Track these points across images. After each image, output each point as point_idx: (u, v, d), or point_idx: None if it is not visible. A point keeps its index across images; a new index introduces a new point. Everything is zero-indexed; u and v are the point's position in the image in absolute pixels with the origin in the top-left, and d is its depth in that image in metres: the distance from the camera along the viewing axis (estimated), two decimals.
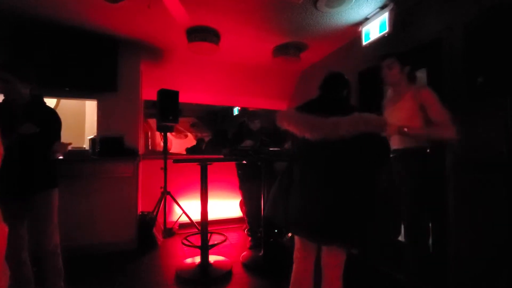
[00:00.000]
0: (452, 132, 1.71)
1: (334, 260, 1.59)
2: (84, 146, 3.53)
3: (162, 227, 3.69)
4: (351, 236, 1.46)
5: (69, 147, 1.95)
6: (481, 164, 1.94)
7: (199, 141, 6.47)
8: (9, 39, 2.78)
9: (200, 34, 3.05)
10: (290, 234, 3.27)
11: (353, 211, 1.40)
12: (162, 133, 3.81)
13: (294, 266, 1.67)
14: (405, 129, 1.80)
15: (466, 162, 2.03)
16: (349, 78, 1.73)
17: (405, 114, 1.90)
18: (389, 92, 2.21)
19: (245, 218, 3.56)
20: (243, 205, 3.57)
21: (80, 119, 4.16)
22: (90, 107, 3.98)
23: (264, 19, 2.82)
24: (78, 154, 3.09)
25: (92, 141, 3.18)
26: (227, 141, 4.24)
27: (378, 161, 1.56)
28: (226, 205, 4.34)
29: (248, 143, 3.21)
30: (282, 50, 3.49)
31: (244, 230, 3.73)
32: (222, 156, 3.08)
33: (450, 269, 2.11)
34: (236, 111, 6.99)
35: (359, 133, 1.40)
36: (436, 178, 2.00)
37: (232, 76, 4.31)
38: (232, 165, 3.59)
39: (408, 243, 1.91)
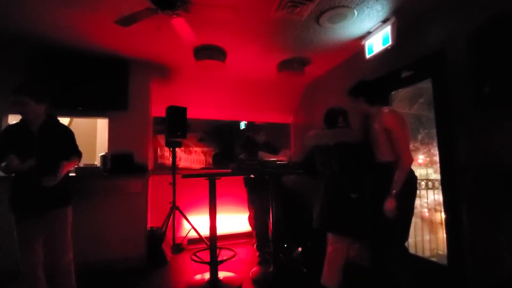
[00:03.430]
0: (411, 159, 1.90)
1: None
2: (95, 163, 3.61)
3: (171, 243, 3.68)
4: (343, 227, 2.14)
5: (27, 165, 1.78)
6: (492, 174, 1.91)
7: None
8: (25, 62, 2.93)
9: (207, 52, 3.15)
10: (300, 249, 3.22)
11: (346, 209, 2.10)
12: (171, 149, 3.87)
13: (326, 258, 2.22)
14: (393, 191, 1.87)
15: (476, 172, 1.99)
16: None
17: (376, 137, 2.02)
18: None
19: (254, 233, 3.53)
20: (252, 219, 3.55)
21: (91, 136, 4.27)
22: (102, 125, 4.09)
23: (269, 36, 2.90)
24: (89, 171, 3.16)
25: (103, 158, 3.26)
26: (234, 155, 4.28)
27: (360, 166, 2.14)
28: (235, 220, 4.31)
29: (261, 154, 3.25)
30: (286, 65, 3.56)
31: (253, 245, 3.69)
32: (230, 171, 3.10)
33: (468, 282, 2.04)
34: (243, 125, 7.06)
35: (340, 141, 2.12)
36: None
37: (238, 91, 4.39)
38: (240, 179, 3.60)
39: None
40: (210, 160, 6.20)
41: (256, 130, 3.60)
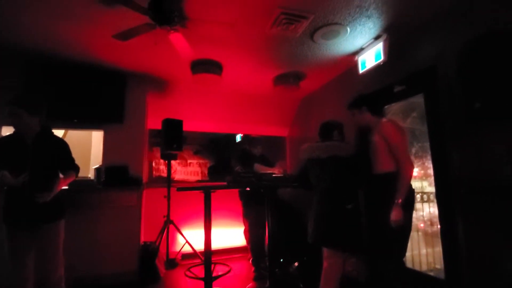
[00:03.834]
0: (411, 169, 1.91)
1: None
2: (89, 175, 3.57)
3: (165, 258, 3.60)
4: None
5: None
6: (487, 187, 1.93)
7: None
8: (20, 74, 2.94)
9: (204, 66, 3.20)
10: (296, 263, 3.17)
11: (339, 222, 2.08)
12: (166, 161, 3.85)
13: (322, 273, 2.17)
14: (399, 201, 1.87)
15: (469, 185, 2.02)
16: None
17: (375, 148, 2.04)
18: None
19: (249, 247, 3.47)
20: (247, 232, 3.50)
21: (86, 149, 4.24)
22: (96, 137, 4.07)
23: (264, 51, 2.97)
24: (83, 184, 3.12)
25: (97, 170, 3.22)
26: (230, 167, 4.27)
27: (354, 179, 2.17)
28: (230, 234, 4.25)
29: (257, 167, 3.25)
30: (282, 79, 3.62)
31: (249, 260, 3.63)
32: (225, 183, 3.08)
33: None
34: (238, 138, 7.08)
35: (332, 155, 2.13)
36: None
37: (234, 104, 4.43)
38: (235, 192, 3.58)
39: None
40: (206, 172, 6.17)
41: (252, 143, 3.62)
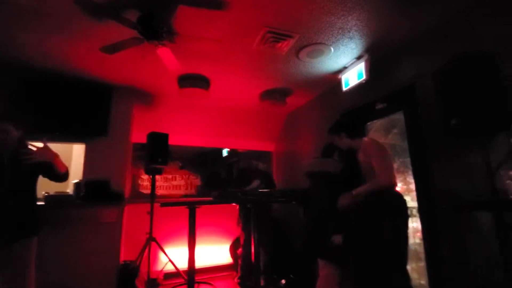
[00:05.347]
0: (387, 179, 1.94)
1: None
2: (68, 190, 3.41)
3: (146, 278, 3.43)
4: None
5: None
6: (465, 203, 1.99)
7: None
8: (4, 87, 2.84)
9: (191, 80, 3.22)
10: (283, 281, 3.10)
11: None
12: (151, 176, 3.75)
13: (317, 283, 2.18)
14: (354, 192, 1.98)
15: (449, 200, 2.08)
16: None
17: (363, 167, 2.11)
18: None
19: (239, 264, 3.38)
20: (232, 248, 3.42)
21: (66, 162, 4.06)
22: (77, 150, 3.94)
23: (252, 67, 3.03)
24: (60, 198, 2.97)
25: (77, 185, 3.10)
26: (220, 182, 4.21)
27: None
28: (214, 251, 4.12)
29: (255, 183, 3.23)
30: (268, 95, 3.69)
31: (234, 278, 3.52)
32: (211, 199, 3.03)
33: None
34: (225, 152, 7.05)
35: (319, 171, 2.29)
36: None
37: (221, 119, 4.45)
38: (221, 207, 3.52)
39: None
40: (191, 187, 6.04)
41: (246, 159, 3.63)
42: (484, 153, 1.84)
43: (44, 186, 2.35)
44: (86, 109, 3.14)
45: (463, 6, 2.09)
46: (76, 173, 3.66)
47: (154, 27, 2.10)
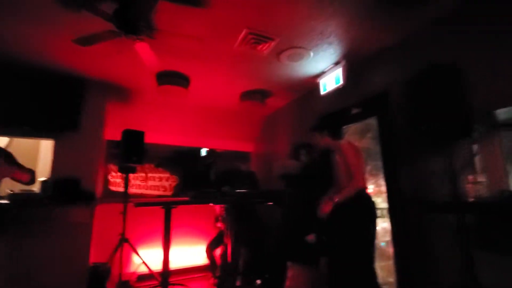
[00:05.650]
0: (359, 183, 2.08)
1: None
2: (34, 189, 3.22)
3: (117, 280, 3.31)
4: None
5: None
6: (429, 204, 2.12)
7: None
8: None
9: (170, 78, 3.16)
10: (258, 281, 3.12)
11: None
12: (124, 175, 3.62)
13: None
14: (336, 199, 2.09)
15: (416, 202, 2.20)
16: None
17: (338, 168, 2.21)
18: None
19: (217, 265, 3.33)
20: (208, 249, 3.38)
21: (32, 159, 3.84)
22: (45, 146, 3.73)
23: (232, 66, 3.03)
24: (26, 197, 2.79)
25: (44, 183, 2.92)
26: (199, 183, 4.15)
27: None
28: (190, 252, 4.07)
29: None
30: (249, 95, 3.70)
31: (210, 279, 3.48)
32: (187, 199, 2.99)
33: None
34: (204, 152, 6.96)
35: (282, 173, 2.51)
36: None
37: (200, 118, 4.40)
38: (198, 208, 3.48)
39: None
40: (167, 187, 5.89)
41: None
42: (448, 158, 1.97)
43: (9, 183, 2.20)
44: (56, 102, 2.97)
45: (428, 22, 2.23)
46: (44, 171, 3.47)
47: (132, 21, 2.04)
